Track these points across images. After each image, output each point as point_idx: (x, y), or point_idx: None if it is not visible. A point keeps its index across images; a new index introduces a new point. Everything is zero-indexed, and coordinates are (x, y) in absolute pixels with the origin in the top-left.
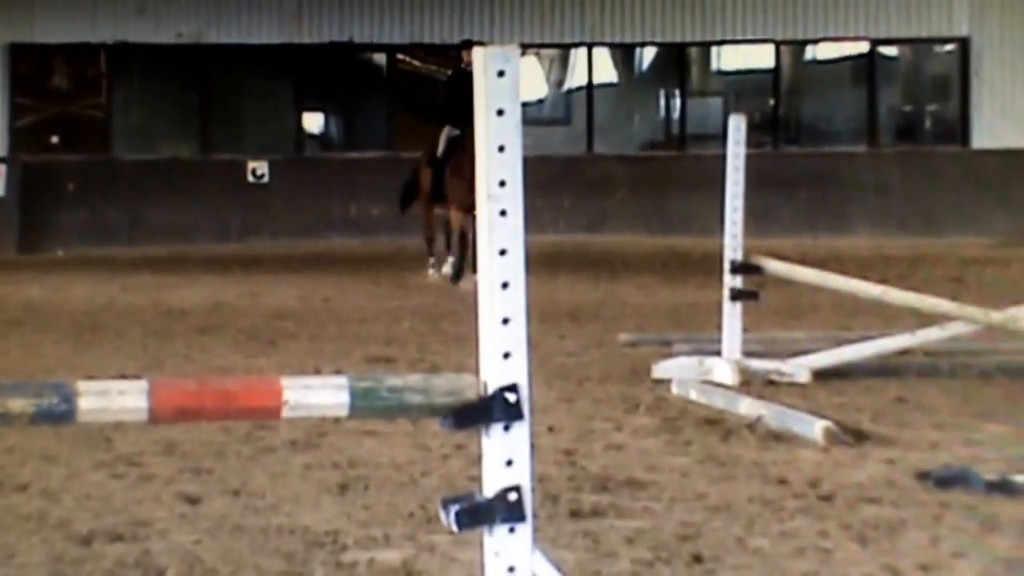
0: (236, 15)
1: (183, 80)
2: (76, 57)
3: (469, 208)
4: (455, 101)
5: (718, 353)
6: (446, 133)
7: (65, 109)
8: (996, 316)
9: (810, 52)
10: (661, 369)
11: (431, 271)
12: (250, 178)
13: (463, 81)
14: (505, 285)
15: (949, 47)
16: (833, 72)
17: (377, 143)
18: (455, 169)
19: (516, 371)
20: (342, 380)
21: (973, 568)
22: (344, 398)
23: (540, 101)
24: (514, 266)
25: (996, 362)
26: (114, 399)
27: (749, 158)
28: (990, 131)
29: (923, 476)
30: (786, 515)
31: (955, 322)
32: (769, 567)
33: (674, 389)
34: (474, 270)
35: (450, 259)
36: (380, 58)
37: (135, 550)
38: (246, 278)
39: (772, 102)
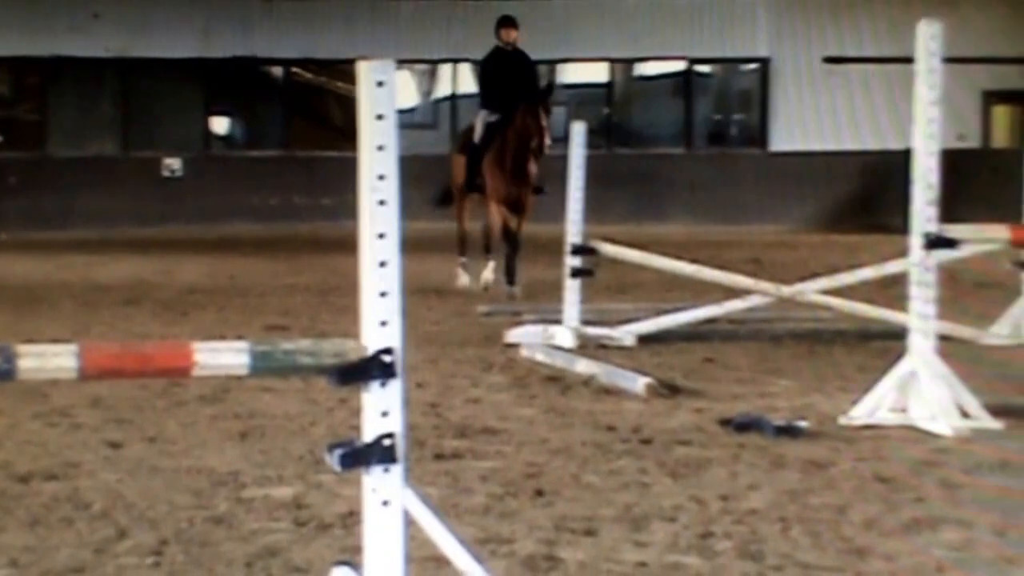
0: (154, 33)
1: (108, 88)
2: (17, 69)
3: (509, 203)
4: (492, 83)
5: (560, 321)
6: (482, 118)
7: (7, 114)
8: (786, 290)
9: (638, 69)
10: (512, 335)
11: (461, 274)
12: (165, 173)
13: (501, 61)
14: (383, 264)
15: (753, 66)
16: (657, 86)
17: (275, 143)
18: (495, 160)
19: (392, 337)
20: (243, 344)
21: (764, 498)
22: (245, 359)
23: (412, 109)
24: (391, 248)
25: (786, 328)
26: (49, 360)
27: (588, 158)
28: (786, 136)
29: (725, 422)
30: (613, 456)
31: (753, 295)
32: (598, 499)
33: (523, 352)
34: (510, 280)
35: (489, 263)
36: (278, 70)
37: (67, 488)
38: (162, 258)
39: (607, 111)
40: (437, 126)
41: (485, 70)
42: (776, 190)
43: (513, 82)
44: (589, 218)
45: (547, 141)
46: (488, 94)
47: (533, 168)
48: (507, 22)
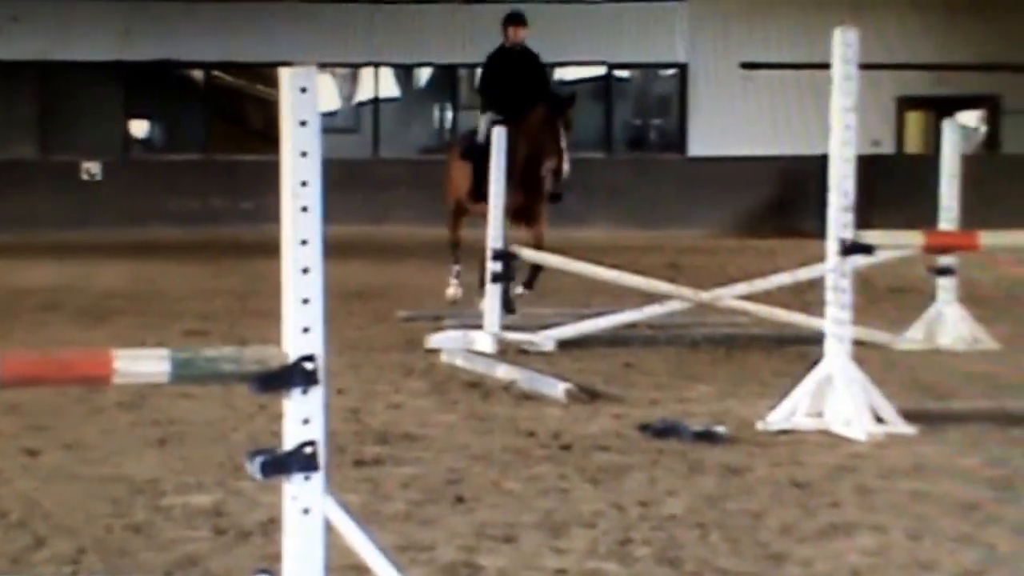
0: (74, 35)
1: (28, 91)
2: None
3: (519, 214)
4: (497, 83)
5: (480, 327)
6: (487, 120)
7: None
8: (704, 295)
9: (559, 73)
10: (433, 340)
11: (453, 284)
12: (84, 176)
13: (506, 62)
14: (306, 270)
15: (671, 71)
16: (577, 90)
17: (195, 147)
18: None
19: (314, 344)
20: (164, 352)
21: (683, 504)
22: (166, 367)
23: (333, 113)
24: (313, 254)
25: (704, 333)
26: None
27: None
28: (704, 142)
29: (644, 428)
30: (533, 462)
31: (672, 300)
32: (518, 505)
33: (443, 357)
34: (529, 285)
35: (452, 280)
36: (198, 73)
37: None
38: (81, 263)
39: None
40: (359, 130)
41: (488, 72)
42: (694, 195)
43: (520, 85)
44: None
45: (565, 166)
46: (491, 99)
47: (547, 182)
48: (516, 19)
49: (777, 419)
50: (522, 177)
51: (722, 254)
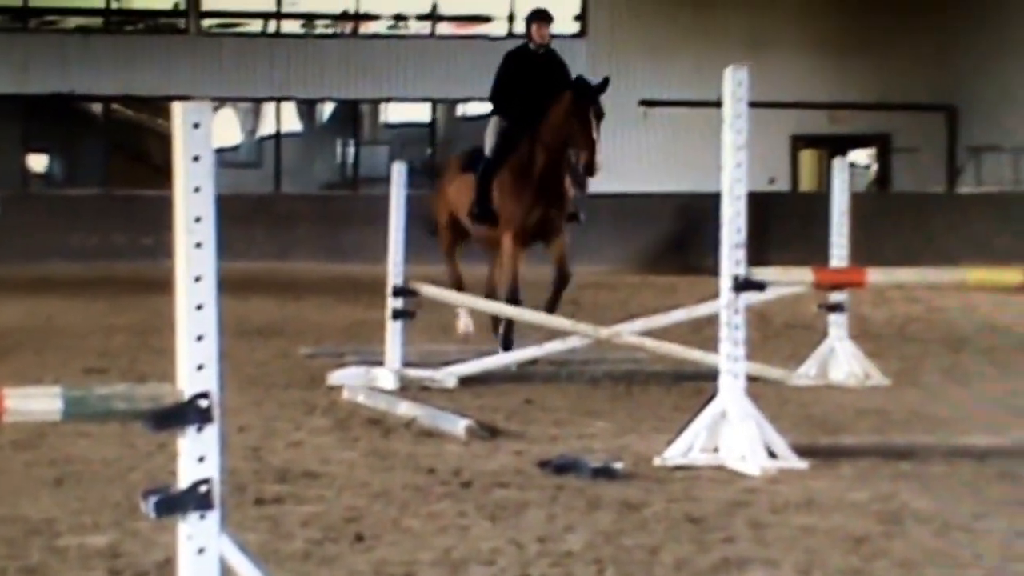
0: None
1: None
2: None
3: (535, 229)
4: (512, 87)
5: (382, 363)
6: (494, 125)
7: None
8: (604, 332)
9: (460, 109)
10: (335, 377)
11: (463, 316)
12: None
13: (527, 62)
14: (200, 307)
15: None
16: (478, 126)
17: (94, 182)
18: (516, 174)
19: (208, 381)
20: (56, 390)
21: (580, 540)
22: (58, 405)
23: (235, 147)
24: (208, 290)
25: (604, 370)
26: None
27: (409, 198)
28: (603, 178)
29: (544, 464)
30: (433, 499)
31: (572, 336)
32: (418, 543)
33: (345, 394)
34: (551, 309)
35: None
36: (97, 107)
37: None
38: None
39: (429, 151)
40: (261, 165)
41: (505, 70)
42: (595, 231)
43: (540, 91)
44: (411, 259)
45: (598, 159)
46: (503, 100)
47: (569, 188)
48: (541, 16)
49: (673, 455)
50: (540, 186)
51: (622, 290)
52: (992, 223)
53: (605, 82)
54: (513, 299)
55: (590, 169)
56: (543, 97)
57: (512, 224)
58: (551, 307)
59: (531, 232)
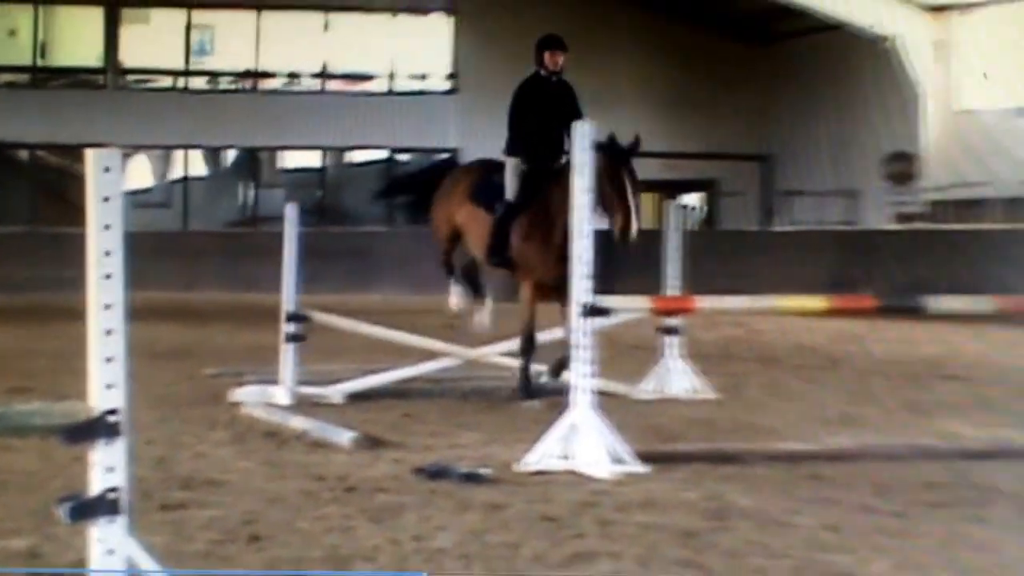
0: None
1: None
2: None
3: (554, 286)
4: (526, 120)
5: (277, 382)
6: (514, 167)
7: None
8: (473, 352)
9: (348, 156)
10: (235, 395)
11: (454, 293)
12: None
13: (540, 91)
14: (109, 332)
15: (445, 155)
16: (364, 171)
17: (22, 220)
18: (535, 237)
19: (117, 399)
20: None
21: (450, 538)
22: None
23: (148, 190)
24: (116, 317)
25: (473, 386)
26: None
27: (303, 235)
28: None
29: (419, 471)
30: (322, 503)
31: (446, 357)
32: (308, 542)
33: (244, 410)
34: (557, 372)
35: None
36: (24, 154)
37: None
38: None
39: (320, 193)
40: (171, 205)
41: (519, 103)
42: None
43: (554, 121)
44: (304, 289)
45: (634, 225)
46: (519, 135)
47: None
48: (554, 44)
49: (531, 461)
50: (564, 242)
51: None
52: (801, 257)
53: (637, 142)
54: (529, 344)
55: (626, 236)
56: (558, 128)
57: (533, 277)
58: (559, 368)
59: (551, 287)
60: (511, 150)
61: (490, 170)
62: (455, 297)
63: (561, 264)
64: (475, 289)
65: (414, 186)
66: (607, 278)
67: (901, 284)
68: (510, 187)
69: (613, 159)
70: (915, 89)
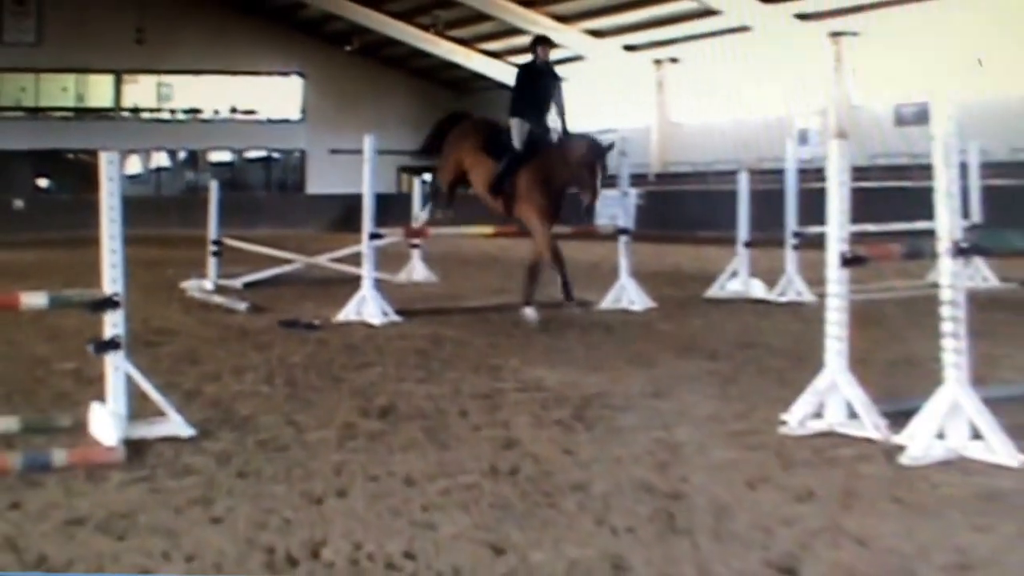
0: None
1: None
2: None
3: (552, 222)
4: (525, 92)
5: (206, 277)
6: (518, 125)
7: None
8: (312, 260)
9: (247, 155)
10: (184, 284)
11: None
12: None
13: (535, 74)
14: (114, 251)
15: (298, 153)
16: (255, 164)
17: (69, 191)
18: (539, 177)
19: (118, 286)
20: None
21: (298, 357)
22: (43, 300)
23: (137, 175)
24: (118, 243)
25: (313, 277)
26: None
27: (220, 198)
28: (316, 186)
29: (281, 323)
30: (230, 342)
31: (297, 262)
32: (223, 361)
33: (188, 293)
34: (569, 296)
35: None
36: (71, 156)
37: None
38: None
39: (230, 175)
40: (150, 183)
41: (520, 81)
42: (310, 212)
43: (544, 93)
44: (221, 227)
45: (596, 202)
46: (520, 103)
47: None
48: (546, 41)
49: (341, 317)
50: (557, 192)
51: (324, 241)
52: (484, 206)
53: (611, 145)
54: (559, 261)
55: (590, 211)
56: (546, 99)
57: (541, 211)
58: (569, 290)
59: (553, 216)
60: (515, 113)
61: (495, 130)
62: (531, 313)
63: (553, 205)
64: (449, 204)
65: (434, 137)
66: (382, 220)
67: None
68: (516, 142)
69: (594, 153)
70: None
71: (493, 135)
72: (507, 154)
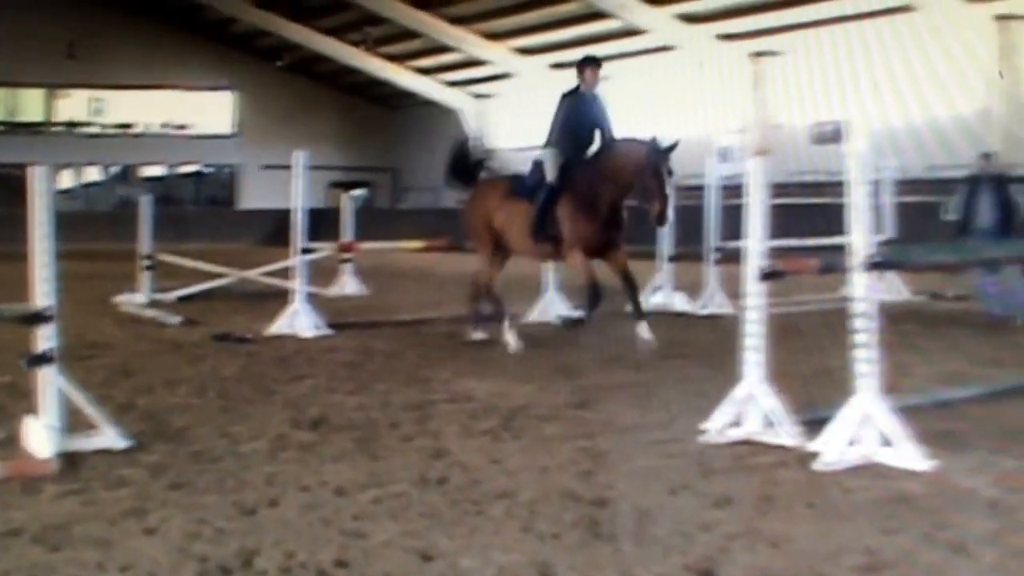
0: None
1: None
2: None
3: (598, 250)
4: (567, 126)
5: (138, 291)
6: (553, 157)
7: None
8: (244, 273)
9: (180, 169)
10: (116, 298)
11: (509, 335)
12: None
13: (583, 106)
14: (45, 264)
15: (228, 169)
16: (187, 179)
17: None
18: (579, 212)
19: (50, 300)
20: None
21: (230, 370)
22: None
23: (69, 189)
24: (49, 257)
25: (245, 291)
26: None
27: (152, 213)
28: (247, 202)
29: (214, 336)
30: (163, 354)
31: (229, 276)
32: (155, 375)
33: (121, 307)
34: (639, 314)
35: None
36: (3, 170)
37: None
38: None
39: (162, 189)
40: (80, 197)
41: (563, 111)
42: (242, 227)
43: (590, 125)
44: (154, 241)
45: (668, 211)
46: (560, 135)
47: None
48: (594, 62)
49: (273, 330)
50: (606, 214)
51: (256, 255)
52: (412, 221)
53: (675, 144)
54: (596, 293)
55: (662, 219)
56: (592, 137)
57: (580, 243)
58: (638, 308)
59: (594, 251)
60: (551, 143)
61: (516, 176)
62: (512, 338)
63: (604, 232)
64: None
65: (457, 169)
66: (314, 235)
67: (460, 232)
68: (551, 174)
69: (656, 156)
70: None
71: (516, 179)
72: (541, 189)
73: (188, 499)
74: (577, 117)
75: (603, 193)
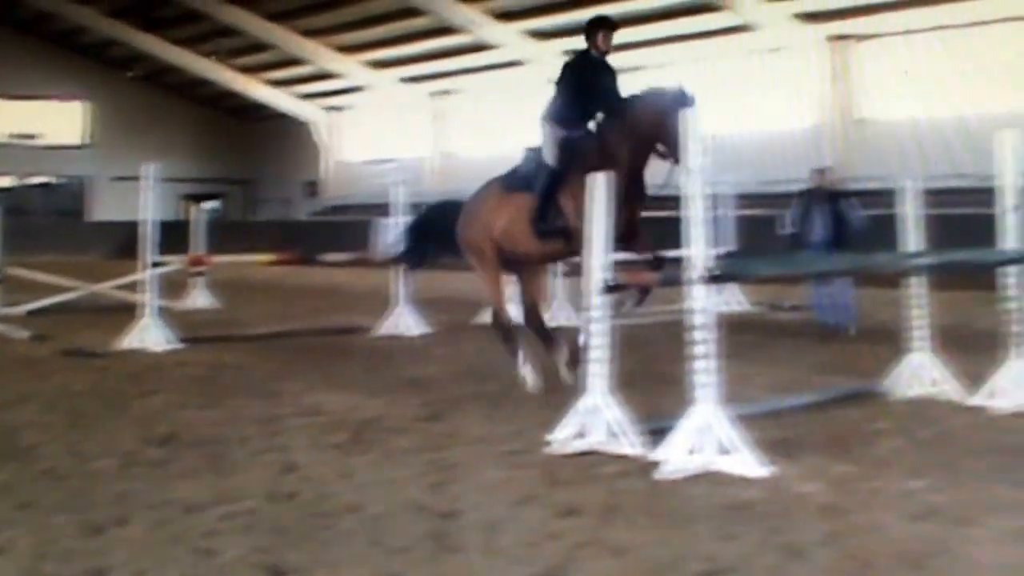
0: None
1: None
2: None
3: (620, 232)
4: (578, 95)
5: None
6: (551, 134)
7: None
8: (95, 287)
9: (26, 180)
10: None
11: (528, 374)
12: None
13: (593, 71)
14: None
15: (79, 180)
16: (36, 190)
17: None
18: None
19: None
20: None
21: (81, 385)
22: None
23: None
24: None
25: (102, 304)
26: None
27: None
28: (98, 214)
29: (64, 352)
30: (15, 369)
31: (79, 290)
32: (16, 387)
33: None
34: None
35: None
36: None
37: None
38: None
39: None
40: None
41: (573, 78)
42: (93, 239)
43: (597, 94)
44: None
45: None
46: (569, 108)
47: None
48: (607, 23)
49: (124, 344)
50: (627, 185)
51: (107, 268)
52: (268, 233)
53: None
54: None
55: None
56: (599, 108)
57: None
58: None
59: (617, 237)
60: (549, 117)
61: (508, 174)
62: (527, 374)
63: (626, 208)
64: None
65: (431, 233)
66: (166, 248)
67: (311, 245)
68: (550, 154)
69: (680, 99)
70: (319, 148)
71: (509, 175)
72: (540, 175)
73: (36, 519)
74: (585, 86)
75: (620, 159)
